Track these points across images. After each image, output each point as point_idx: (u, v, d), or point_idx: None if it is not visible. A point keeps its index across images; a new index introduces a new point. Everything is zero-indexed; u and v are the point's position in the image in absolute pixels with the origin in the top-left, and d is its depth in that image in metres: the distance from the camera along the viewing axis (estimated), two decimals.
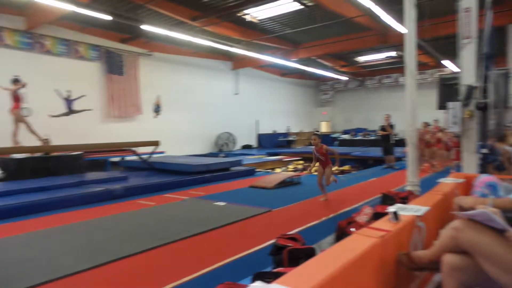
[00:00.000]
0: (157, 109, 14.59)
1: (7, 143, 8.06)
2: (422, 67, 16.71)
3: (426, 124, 10.15)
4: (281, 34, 13.65)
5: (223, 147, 17.04)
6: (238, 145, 18.16)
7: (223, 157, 12.94)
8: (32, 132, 8.35)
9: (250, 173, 9.73)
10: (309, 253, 2.71)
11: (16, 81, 8.29)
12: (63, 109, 11.09)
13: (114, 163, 11.34)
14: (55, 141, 9.22)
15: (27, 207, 5.54)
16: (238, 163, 10.09)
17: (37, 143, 8.47)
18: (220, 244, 3.87)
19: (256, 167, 10.57)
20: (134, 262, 3.40)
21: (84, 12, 9.13)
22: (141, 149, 9.49)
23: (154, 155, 9.63)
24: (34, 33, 11.02)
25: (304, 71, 18.63)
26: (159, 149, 9.49)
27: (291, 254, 2.61)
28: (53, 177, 7.43)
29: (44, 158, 8.12)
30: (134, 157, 9.91)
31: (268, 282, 1.69)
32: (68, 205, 5.90)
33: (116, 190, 6.60)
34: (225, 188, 7.46)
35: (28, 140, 8.36)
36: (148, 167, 9.34)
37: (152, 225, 4.71)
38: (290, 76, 21.59)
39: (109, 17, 9.60)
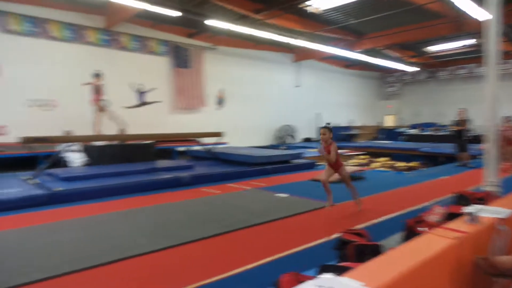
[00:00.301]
0: (220, 101, 15.07)
1: (90, 131, 8.96)
2: (504, 56, 15.14)
3: (508, 119, 9.21)
4: (345, 24, 13.23)
5: (283, 139, 17.11)
6: (299, 138, 18.10)
7: (284, 149, 13.00)
8: (114, 118, 9.15)
9: (310, 166, 9.67)
10: (375, 250, 2.66)
11: (97, 75, 9.13)
12: (136, 101, 11.96)
13: (180, 153, 11.96)
14: (128, 131, 9.99)
15: (107, 189, 6.13)
16: (299, 155, 10.08)
17: (115, 131, 9.26)
18: (283, 235, 3.94)
19: (317, 161, 10.47)
20: (200, 246, 3.59)
21: (155, 10, 9.69)
22: (205, 140, 9.90)
23: (218, 146, 10.00)
24: (112, 31, 11.97)
25: (368, 62, 17.89)
26: (222, 140, 9.84)
27: (357, 250, 2.58)
28: (128, 164, 8.08)
29: (120, 146, 8.85)
30: (198, 147, 10.38)
31: (337, 275, 1.70)
32: (141, 189, 6.40)
33: (183, 177, 6.99)
34: (286, 180, 7.51)
35: (107, 129, 9.17)
36: (212, 157, 9.73)
37: (216, 212, 4.92)
38: (354, 68, 20.88)
39: (177, 13, 10.09)
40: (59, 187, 5.90)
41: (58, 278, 2.85)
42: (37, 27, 10.47)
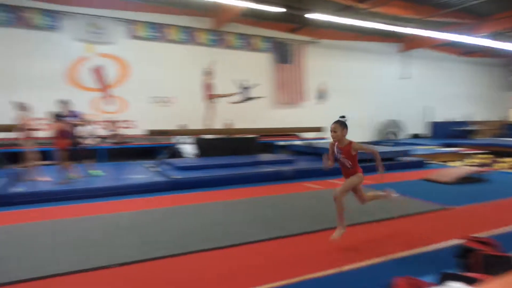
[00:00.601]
0: (321, 96, 14.90)
1: (200, 125, 9.76)
2: None
3: None
4: (463, 6, 11.76)
5: (388, 135, 16.13)
6: (406, 134, 16.85)
7: (389, 145, 12.27)
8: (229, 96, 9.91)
9: (419, 164, 8.94)
10: (508, 263, 2.35)
11: (207, 73, 9.88)
12: (240, 96, 12.61)
13: (280, 147, 12.22)
14: (234, 125, 10.60)
15: (216, 180, 6.62)
16: (406, 153, 9.39)
17: (221, 126, 9.93)
18: (392, 236, 3.74)
19: (427, 159, 9.62)
20: (307, 239, 3.62)
21: (259, 7, 10.02)
22: (305, 135, 9.93)
23: (318, 141, 9.93)
24: (219, 31, 12.77)
25: (491, 48, 15.61)
26: (323, 135, 9.74)
27: (485, 260, 2.31)
28: (233, 156, 8.58)
29: (227, 139, 9.45)
30: (299, 142, 10.46)
31: (467, 286, 1.56)
32: (246, 181, 6.75)
33: (286, 171, 7.14)
34: (392, 179, 7.06)
35: (216, 124, 9.87)
36: (312, 152, 9.72)
37: (319, 207, 4.91)
38: (473, 55, 18.48)
39: (281, 9, 10.25)
40: (176, 175, 6.59)
41: (176, 257, 3.18)
42: (158, 32, 11.79)
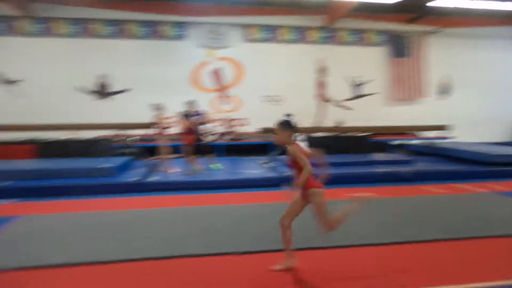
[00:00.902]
0: (443, 91, 13.45)
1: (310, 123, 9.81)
2: None
3: None
4: None
5: None
6: None
7: None
8: (340, 105, 9.80)
9: None
10: None
11: (321, 71, 9.88)
12: (351, 93, 12.24)
13: (395, 146, 11.44)
14: (345, 123, 10.34)
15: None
16: None
17: (333, 124, 9.81)
18: None
19: None
20: (422, 248, 3.34)
21: (375, 0, 9.55)
22: (424, 134, 9.12)
23: (441, 141, 9.02)
24: (331, 28, 12.60)
25: None
26: (448, 134, 8.82)
27: None
28: (344, 155, 8.39)
29: (338, 137, 9.30)
30: (417, 141, 9.66)
31: None
32: (358, 181, 6.53)
33: (404, 173, 6.68)
34: None
35: (326, 121, 9.81)
36: (433, 152, 8.87)
37: (441, 214, 4.46)
38: None
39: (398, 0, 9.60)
40: (287, 172, 6.75)
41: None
42: (271, 34, 12.27)
